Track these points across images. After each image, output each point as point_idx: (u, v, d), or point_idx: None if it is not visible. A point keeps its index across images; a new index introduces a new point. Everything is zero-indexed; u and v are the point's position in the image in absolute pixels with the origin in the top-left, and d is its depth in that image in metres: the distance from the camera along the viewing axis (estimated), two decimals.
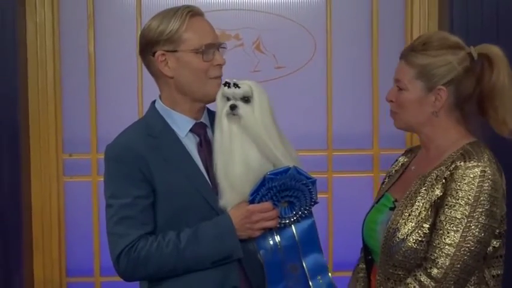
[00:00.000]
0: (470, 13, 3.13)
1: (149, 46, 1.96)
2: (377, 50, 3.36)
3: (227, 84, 1.91)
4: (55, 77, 3.30)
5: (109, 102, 3.35)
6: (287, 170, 1.89)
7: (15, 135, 3.16)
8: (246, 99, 1.90)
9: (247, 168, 1.89)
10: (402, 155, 2.14)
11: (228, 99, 1.91)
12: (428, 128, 1.94)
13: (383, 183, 2.14)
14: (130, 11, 3.33)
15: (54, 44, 3.29)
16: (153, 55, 1.95)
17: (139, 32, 3.18)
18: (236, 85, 1.90)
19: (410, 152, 2.13)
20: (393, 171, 2.11)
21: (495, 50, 1.89)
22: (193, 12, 1.95)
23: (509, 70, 1.88)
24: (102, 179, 1.98)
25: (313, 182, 1.93)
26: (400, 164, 2.11)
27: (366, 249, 2.05)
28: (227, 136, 1.90)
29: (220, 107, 1.93)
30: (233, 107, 1.90)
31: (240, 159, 1.89)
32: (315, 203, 1.95)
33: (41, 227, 3.32)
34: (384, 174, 2.17)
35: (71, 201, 3.37)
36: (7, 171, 3.15)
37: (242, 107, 1.90)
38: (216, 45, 1.97)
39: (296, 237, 1.95)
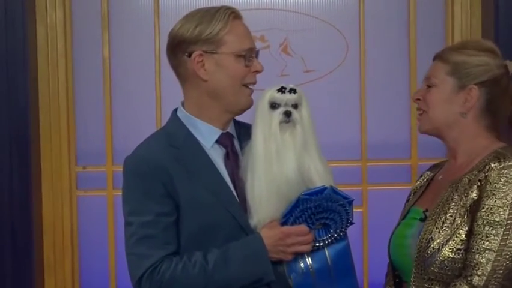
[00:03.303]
0: None
1: (183, 45, 1.95)
2: (415, 51, 3.34)
3: (282, 89, 1.90)
4: (67, 83, 3.31)
5: (125, 111, 3.36)
6: (323, 190, 1.88)
7: (25, 146, 3.16)
8: (296, 106, 1.91)
9: (288, 183, 1.88)
10: (428, 169, 2.17)
11: (274, 106, 1.90)
12: (455, 132, 1.96)
13: (407, 200, 2.15)
14: (148, 12, 3.33)
15: (66, 48, 3.31)
16: (189, 55, 1.95)
17: (157, 35, 3.31)
18: (293, 90, 1.91)
19: (437, 166, 2.15)
20: (419, 187, 2.13)
21: None
22: (235, 15, 1.97)
23: None
24: (118, 193, 2.00)
25: (350, 202, 1.92)
26: (425, 179, 2.13)
27: (394, 271, 2.06)
28: (279, 146, 1.89)
29: (266, 115, 1.91)
30: (289, 114, 1.89)
31: (289, 168, 1.88)
32: (351, 223, 1.94)
33: (53, 244, 3.32)
34: None
35: (85, 217, 3.37)
36: (17, 185, 3.14)
37: (295, 113, 1.90)
38: (254, 51, 1.98)
39: (329, 260, 1.94)
